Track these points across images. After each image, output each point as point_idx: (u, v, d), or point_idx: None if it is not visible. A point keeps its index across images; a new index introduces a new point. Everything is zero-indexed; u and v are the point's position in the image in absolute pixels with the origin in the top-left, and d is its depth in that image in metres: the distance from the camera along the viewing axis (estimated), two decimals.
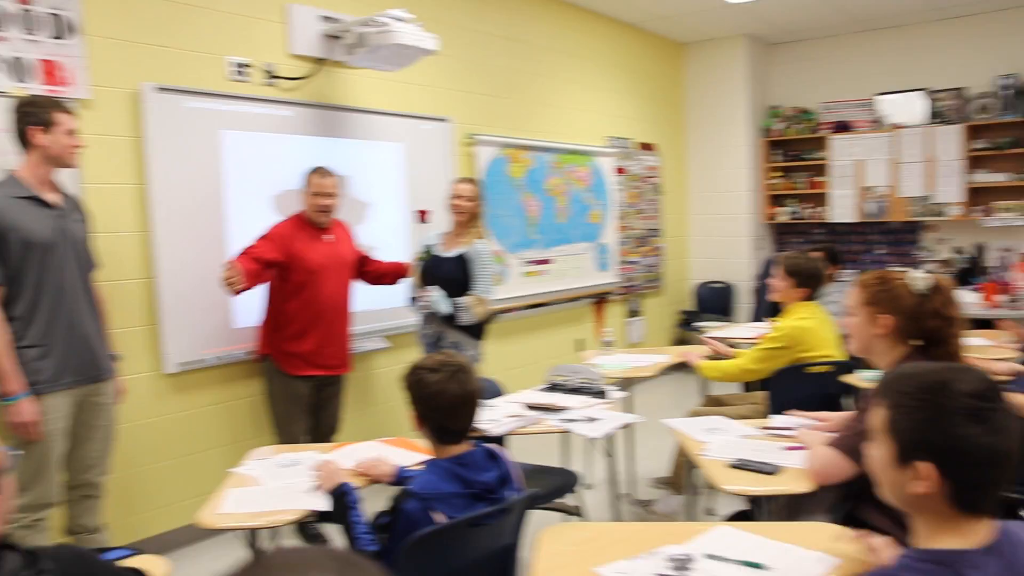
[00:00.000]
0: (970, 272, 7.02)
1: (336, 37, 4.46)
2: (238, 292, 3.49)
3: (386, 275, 4.25)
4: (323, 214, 3.84)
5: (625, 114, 7.11)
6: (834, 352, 3.60)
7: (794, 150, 7.80)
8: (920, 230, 7.34)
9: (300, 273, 3.76)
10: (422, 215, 4.24)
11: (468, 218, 4.09)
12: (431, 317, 4.06)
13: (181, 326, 3.81)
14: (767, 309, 7.02)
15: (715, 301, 7.90)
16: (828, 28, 7.36)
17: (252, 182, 4.11)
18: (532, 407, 3.27)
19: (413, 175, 4.97)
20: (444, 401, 2.07)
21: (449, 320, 3.99)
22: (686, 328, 7.84)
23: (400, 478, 2.48)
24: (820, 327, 3.63)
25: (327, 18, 4.43)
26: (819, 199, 7.67)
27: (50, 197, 2.95)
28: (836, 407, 3.45)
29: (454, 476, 2.05)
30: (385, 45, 3.96)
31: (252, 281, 3.58)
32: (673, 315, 7.93)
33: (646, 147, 7.39)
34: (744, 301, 7.80)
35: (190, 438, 3.94)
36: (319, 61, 4.42)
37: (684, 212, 8.07)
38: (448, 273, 4.01)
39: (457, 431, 2.12)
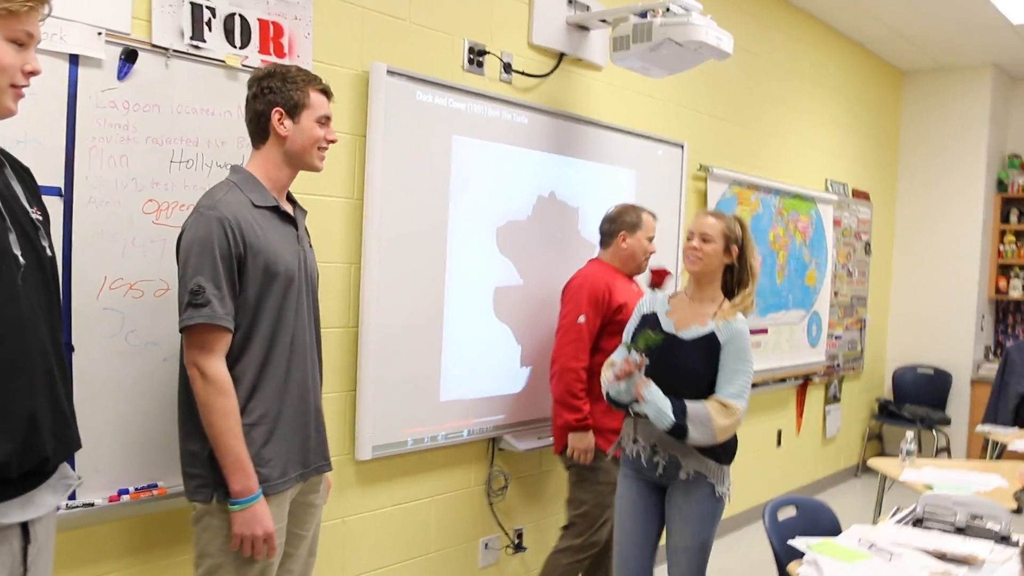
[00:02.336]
0: None
1: (583, 28, 3.77)
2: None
3: None
4: (647, 263, 3.47)
5: (843, 153, 6.36)
6: None
7: None
8: None
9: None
10: (659, 278, 3.26)
11: (709, 273, 2.91)
12: (644, 426, 2.89)
13: (383, 396, 3.07)
14: (1011, 410, 6.19)
15: (921, 391, 7.03)
16: None
17: (478, 207, 3.39)
18: (942, 557, 2.46)
19: None
20: None
21: (676, 434, 2.77)
22: (883, 419, 7.00)
23: None
24: None
25: (573, 2, 3.75)
26: None
27: (289, 209, 2.27)
28: None
29: None
30: (677, 42, 3.24)
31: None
32: (868, 404, 7.07)
33: (859, 195, 6.62)
34: (962, 394, 6.92)
35: (387, 545, 3.19)
36: (559, 57, 3.73)
37: (887, 278, 7.25)
38: (686, 364, 2.83)
39: None
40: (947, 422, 6.74)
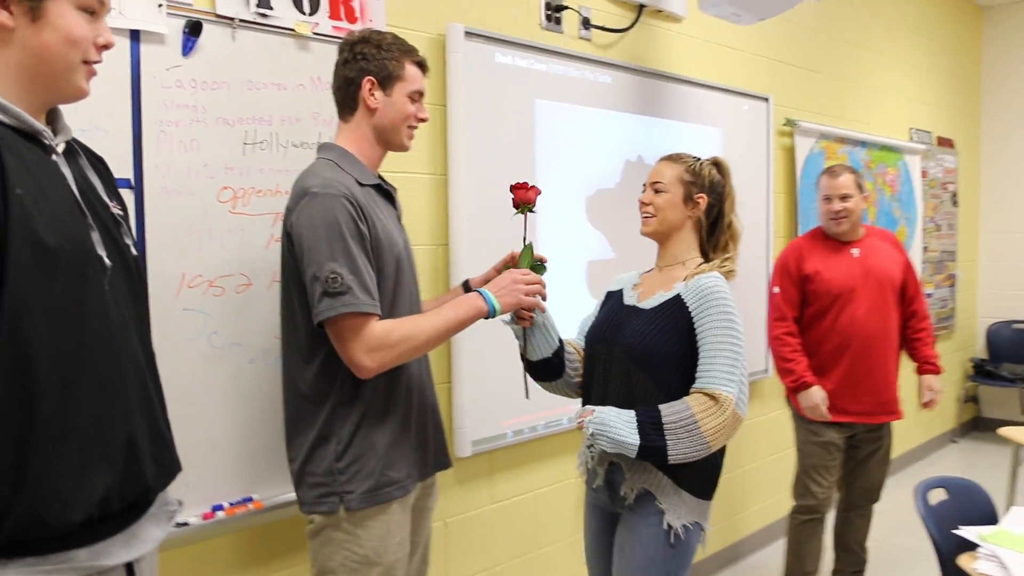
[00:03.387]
0: None
1: None
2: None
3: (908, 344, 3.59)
4: (838, 222, 3.40)
5: (926, 99, 5.99)
6: None
7: None
8: None
9: (822, 298, 3.38)
10: (522, 194, 2.15)
11: (668, 232, 2.27)
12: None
13: (479, 387, 2.86)
14: None
15: (1019, 348, 6.65)
16: None
17: (566, 177, 3.15)
18: None
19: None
20: None
21: (651, 458, 2.04)
22: (979, 380, 6.65)
23: None
24: None
25: None
26: None
27: (388, 187, 2.09)
28: None
29: None
30: None
31: None
32: (962, 364, 6.73)
33: (944, 143, 6.25)
34: None
35: (490, 546, 2.98)
36: (638, 9, 3.46)
37: (975, 230, 6.87)
38: (643, 340, 2.12)
39: None
40: None
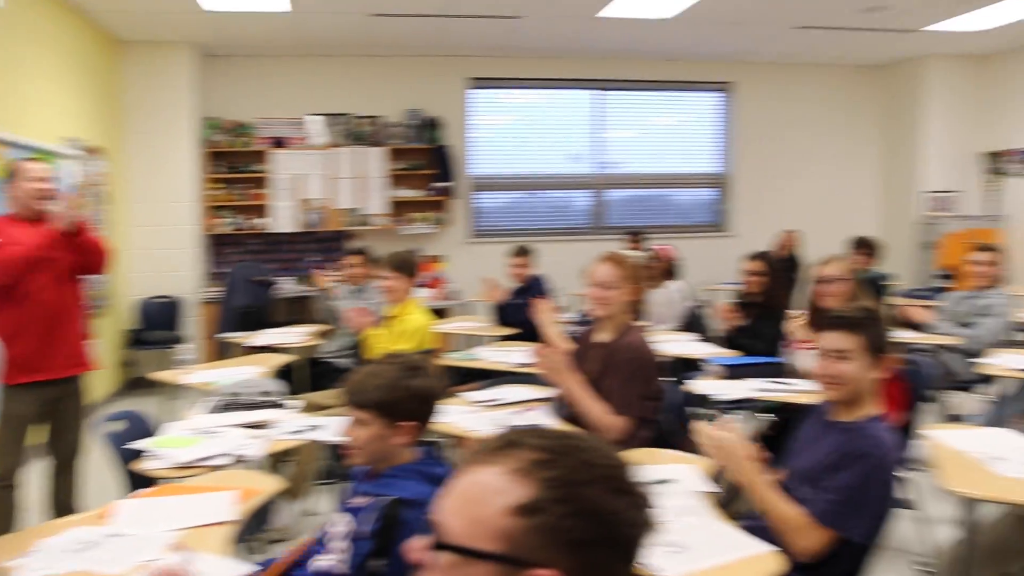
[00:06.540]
0: None
1: None
2: None
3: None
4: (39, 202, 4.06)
5: (80, 113, 7.85)
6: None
7: (234, 162, 9.62)
8: (347, 238, 9.81)
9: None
10: None
11: None
12: None
13: None
14: (234, 319, 8.58)
15: (163, 317, 9.12)
16: (267, 47, 9.39)
17: None
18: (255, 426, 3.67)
19: None
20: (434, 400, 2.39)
21: None
22: (136, 347, 8.90)
23: None
24: None
25: None
26: (259, 210, 9.64)
27: None
28: None
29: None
30: None
31: None
32: (119, 335, 8.88)
33: (95, 151, 8.26)
34: (191, 314, 9.23)
35: None
36: None
37: (126, 222, 9.07)
38: None
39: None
40: (185, 340, 8.98)
